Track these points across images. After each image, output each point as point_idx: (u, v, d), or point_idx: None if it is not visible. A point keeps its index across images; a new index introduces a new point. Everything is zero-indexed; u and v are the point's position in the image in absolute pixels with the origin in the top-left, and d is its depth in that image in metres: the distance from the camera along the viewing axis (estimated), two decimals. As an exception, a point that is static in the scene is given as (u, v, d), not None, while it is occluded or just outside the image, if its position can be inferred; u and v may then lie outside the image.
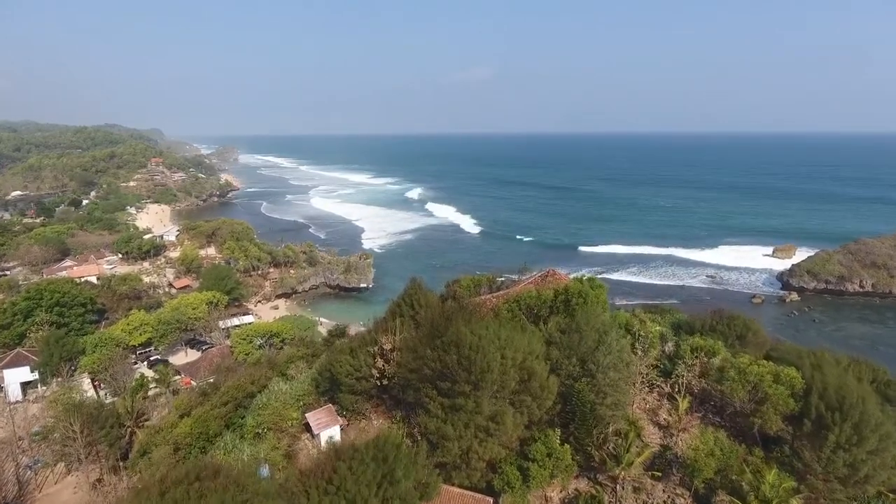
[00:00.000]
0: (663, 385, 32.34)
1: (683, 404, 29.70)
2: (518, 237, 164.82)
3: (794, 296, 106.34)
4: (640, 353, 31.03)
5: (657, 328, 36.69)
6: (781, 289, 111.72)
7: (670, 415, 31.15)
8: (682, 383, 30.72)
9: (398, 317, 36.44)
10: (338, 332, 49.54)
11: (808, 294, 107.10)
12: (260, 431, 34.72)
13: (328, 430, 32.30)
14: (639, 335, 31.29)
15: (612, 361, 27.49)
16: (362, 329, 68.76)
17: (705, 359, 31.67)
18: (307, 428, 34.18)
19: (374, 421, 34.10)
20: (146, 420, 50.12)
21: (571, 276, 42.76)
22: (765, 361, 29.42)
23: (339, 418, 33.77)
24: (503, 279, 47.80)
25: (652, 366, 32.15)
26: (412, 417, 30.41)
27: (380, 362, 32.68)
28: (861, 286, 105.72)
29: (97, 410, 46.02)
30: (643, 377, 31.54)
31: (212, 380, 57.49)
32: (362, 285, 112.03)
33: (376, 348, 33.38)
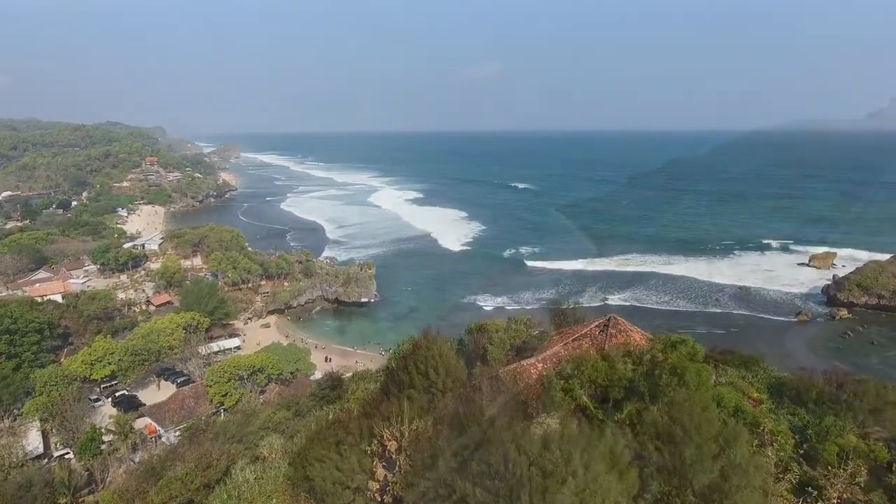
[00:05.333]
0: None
1: (846, 550, 19.42)
2: (522, 247, 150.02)
3: (844, 312, 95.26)
4: (772, 468, 20.68)
5: (766, 401, 26.39)
6: (827, 304, 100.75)
7: (808, 549, 20.92)
8: (834, 509, 20.40)
9: (406, 388, 26.24)
10: (330, 385, 39.31)
11: (860, 310, 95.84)
12: (216, 547, 24.97)
13: (305, 565, 22.37)
14: (772, 442, 20.87)
15: (754, 500, 17.19)
16: (360, 369, 58.75)
17: (863, 468, 21.37)
18: (279, 538, 24.43)
19: (373, 538, 24.13)
20: (89, 492, 40.17)
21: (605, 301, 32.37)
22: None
23: (322, 539, 23.87)
24: (545, 306, 37.34)
25: (780, 477, 21.85)
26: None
27: (380, 469, 22.66)
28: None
29: (23, 489, 36.13)
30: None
31: (178, 433, 47.74)
32: (363, 299, 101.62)
33: (375, 445, 23.33)
